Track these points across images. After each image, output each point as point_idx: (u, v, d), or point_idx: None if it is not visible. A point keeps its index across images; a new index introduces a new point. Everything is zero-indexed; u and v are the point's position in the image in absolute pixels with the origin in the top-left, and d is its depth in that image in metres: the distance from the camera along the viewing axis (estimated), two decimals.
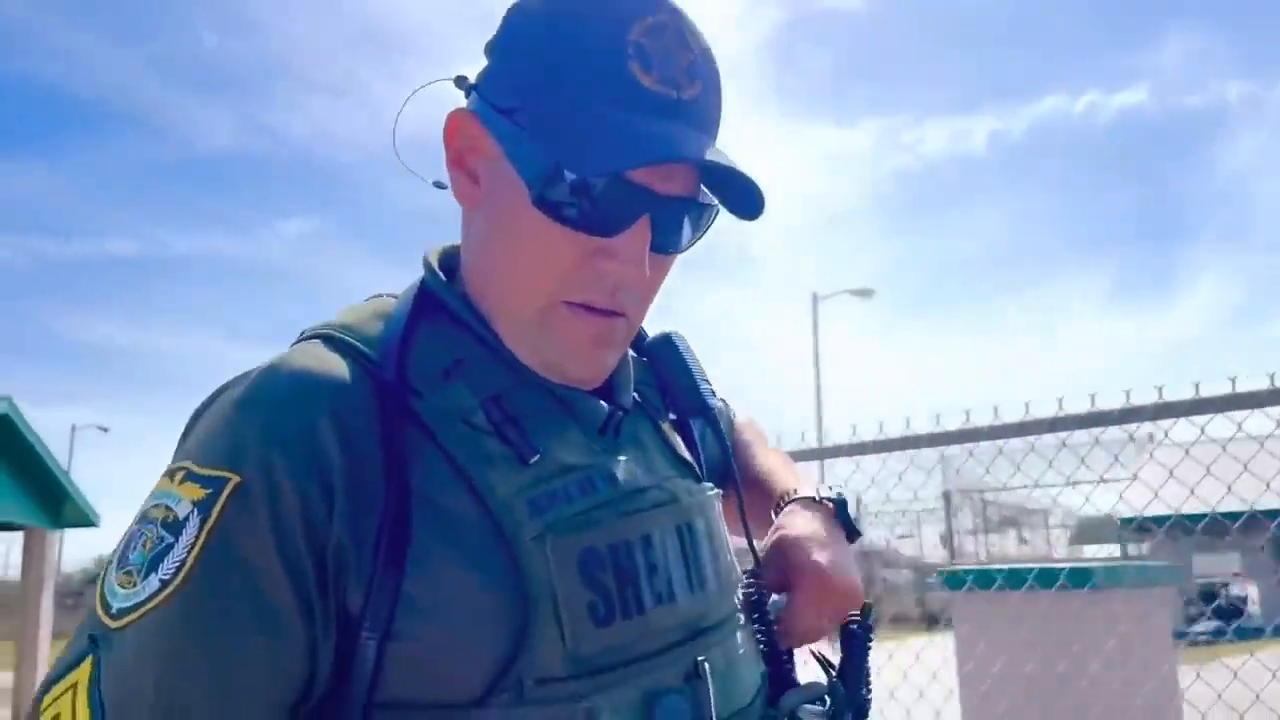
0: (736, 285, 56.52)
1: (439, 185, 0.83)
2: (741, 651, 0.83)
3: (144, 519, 0.69)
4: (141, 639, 0.64)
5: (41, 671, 12.87)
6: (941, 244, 57.69)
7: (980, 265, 59.79)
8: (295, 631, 0.66)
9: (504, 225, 0.77)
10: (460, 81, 0.80)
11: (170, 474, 0.69)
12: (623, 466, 0.79)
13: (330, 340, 0.76)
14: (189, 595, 0.64)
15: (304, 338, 0.78)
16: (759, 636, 0.88)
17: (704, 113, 0.75)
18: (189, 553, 0.65)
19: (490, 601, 0.68)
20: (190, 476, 0.68)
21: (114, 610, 0.66)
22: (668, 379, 0.93)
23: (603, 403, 0.81)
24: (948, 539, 27.15)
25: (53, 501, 13.50)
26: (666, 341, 0.95)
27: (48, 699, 0.66)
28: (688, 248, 0.81)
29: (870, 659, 0.92)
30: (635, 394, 0.88)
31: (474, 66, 0.82)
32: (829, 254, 59.39)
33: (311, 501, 0.66)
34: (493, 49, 0.79)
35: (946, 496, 26.63)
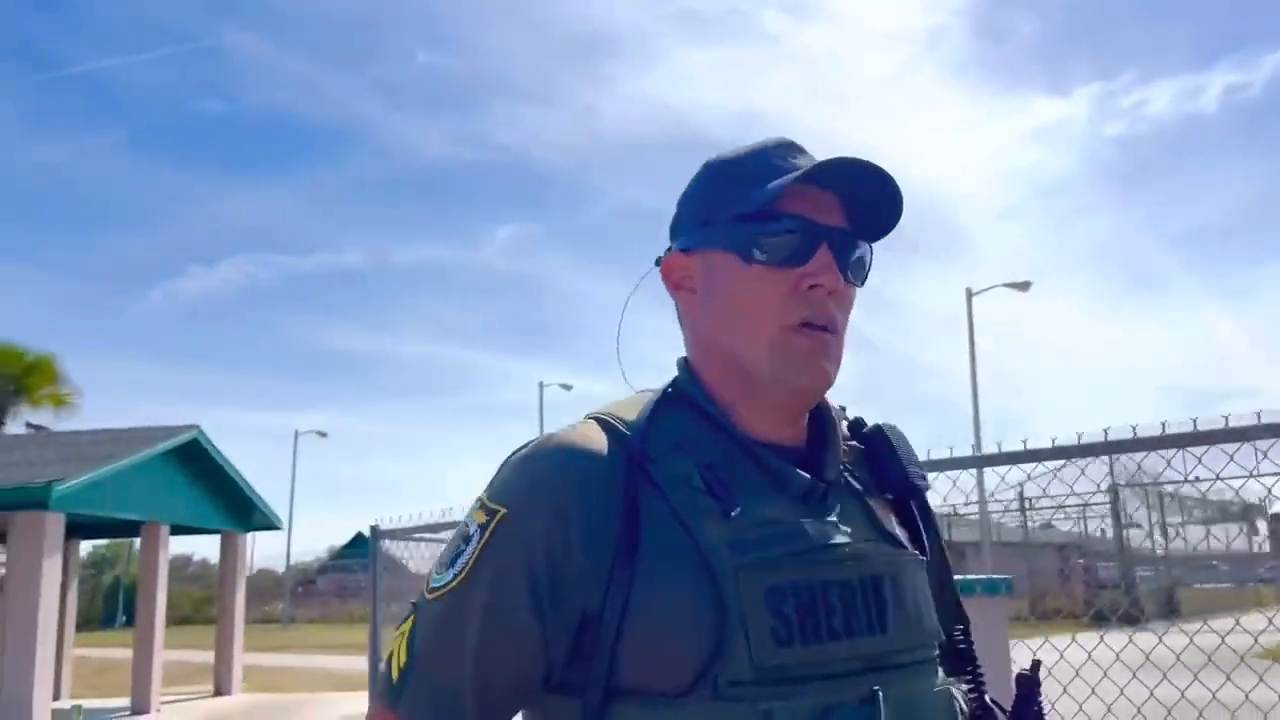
0: (941, 263, 55.29)
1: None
2: (930, 694, 0.96)
3: (458, 531, 0.98)
4: (438, 609, 0.94)
5: (238, 649, 14.43)
6: (1172, 212, 54.83)
7: (1219, 233, 56.29)
8: (527, 624, 0.90)
9: (727, 293, 1.00)
10: (660, 260, 1.08)
11: (477, 501, 0.97)
12: (819, 526, 0.94)
13: (600, 420, 0.99)
14: (466, 586, 0.92)
15: (586, 418, 1.01)
16: (968, 691, 1.04)
17: (867, 163, 0.98)
18: (469, 559, 0.93)
19: (696, 615, 0.87)
20: (482, 506, 0.95)
21: (430, 587, 0.96)
22: (881, 464, 1.07)
23: (806, 474, 0.97)
24: (1116, 534, 26.20)
25: (242, 510, 14.91)
26: (878, 431, 1.10)
27: (390, 642, 0.97)
28: (863, 281, 1.03)
29: (1038, 710, 1.06)
30: (846, 473, 1.03)
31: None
32: (1044, 229, 57.13)
33: (554, 535, 0.90)
34: (676, 220, 1.08)
35: (1114, 491, 25.74)
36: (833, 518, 0.96)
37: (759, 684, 0.86)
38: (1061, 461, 3.31)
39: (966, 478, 3.61)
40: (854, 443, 1.08)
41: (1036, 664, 1.06)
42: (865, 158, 0.95)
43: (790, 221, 0.96)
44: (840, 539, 0.94)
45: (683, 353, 1.08)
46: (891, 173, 0.96)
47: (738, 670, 0.86)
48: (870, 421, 1.12)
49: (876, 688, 0.89)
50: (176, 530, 14.42)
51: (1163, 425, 2.88)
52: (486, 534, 0.92)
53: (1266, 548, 20.33)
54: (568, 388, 37.37)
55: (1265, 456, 2.85)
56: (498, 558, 0.91)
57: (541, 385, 36.04)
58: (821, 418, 1.05)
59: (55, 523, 11.19)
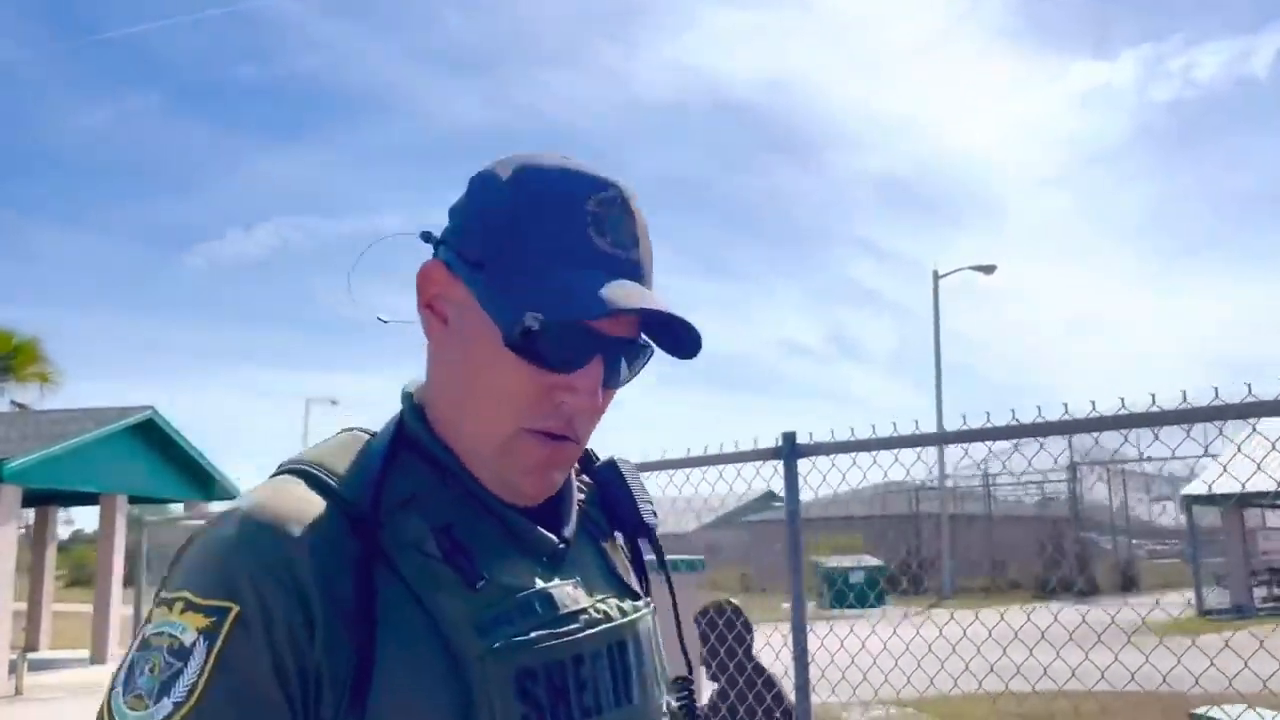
0: (980, 234, 54.60)
1: (381, 320, 0.94)
2: None
3: (147, 646, 0.74)
4: None
5: None
6: (1221, 178, 53.42)
7: (1270, 199, 54.06)
8: None
9: (474, 363, 0.85)
10: (428, 237, 0.90)
11: (168, 604, 0.75)
12: (564, 592, 0.86)
13: (306, 476, 0.83)
14: (202, 713, 0.70)
15: (280, 471, 0.85)
16: None
17: (645, 269, 0.86)
18: (199, 676, 0.71)
19: (439, 714, 0.76)
20: (191, 607, 0.73)
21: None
22: (612, 500, 1.01)
23: (550, 534, 0.89)
24: (1074, 510, 26.94)
25: (202, 482, 16.28)
26: (611, 466, 1.02)
27: None
28: (626, 383, 0.90)
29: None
30: (582, 513, 0.97)
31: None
32: (1088, 196, 55.94)
33: (298, 630, 0.73)
34: (460, 211, 0.88)
35: (1073, 469, 26.44)
36: (575, 577, 0.89)
37: None
38: (1018, 439, 3.43)
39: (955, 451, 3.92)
40: (585, 478, 1.02)
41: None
42: (676, 311, 0.84)
43: (571, 327, 0.82)
44: (585, 603, 0.88)
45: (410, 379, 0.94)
46: (695, 324, 0.85)
47: None
48: (602, 455, 1.05)
49: None
50: (136, 500, 15.88)
51: (1121, 401, 2.92)
52: (220, 640, 0.72)
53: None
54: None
55: (1189, 435, 2.97)
56: (240, 664, 0.72)
57: None
58: None
59: (11, 494, 12.54)
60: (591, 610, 0.88)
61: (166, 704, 0.71)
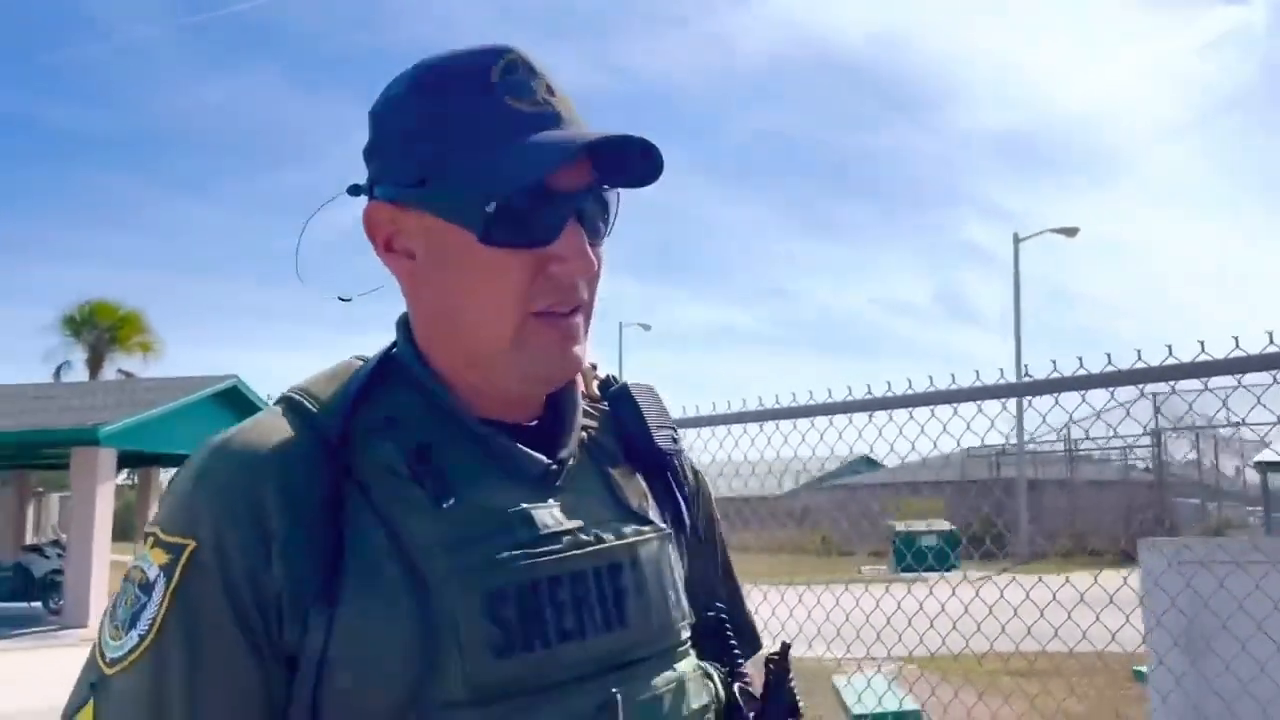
0: (1102, 187, 53.34)
1: (343, 299, 0.91)
2: (677, 684, 0.87)
3: (127, 579, 0.78)
4: (128, 684, 0.73)
5: None
6: None
7: None
8: (249, 670, 0.74)
9: (460, 274, 0.82)
10: (355, 190, 0.87)
11: (145, 538, 0.79)
12: (548, 513, 0.83)
13: (290, 404, 0.84)
14: (161, 646, 0.73)
15: (276, 401, 0.86)
16: (723, 665, 0.96)
17: (574, 114, 0.84)
18: (158, 610, 0.74)
19: (401, 634, 0.74)
20: (157, 543, 0.76)
21: (108, 659, 0.75)
22: (627, 430, 0.96)
23: (539, 456, 0.86)
24: (1159, 475, 26.39)
25: None
26: (624, 394, 0.98)
27: None
28: (607, 235, 0.87)
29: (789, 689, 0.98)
30: (588, 439, 0.93)
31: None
32: (1216, 146, 54.28)
33: (255, 561, 0.74)
34: (376, 147, 0.86)
35: (1156, 435, 25.90)
36: (568, 500, 0.85)
37: (476, 704, 0.75)
38: (1107, 401, 3.19)
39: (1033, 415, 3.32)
40: (601, 406, 0.98)
41: (786, 647, 0.99)
42: (621, 130, 0.80)
43: (533, 196, 0.80)
44: (573, 524, 0.84)
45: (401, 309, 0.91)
46: (648, 139, 0.81)
47: (451, 690, 0.74)
48: (625, 379, 1.01)
49: (616, 690, 0.81)
50: None
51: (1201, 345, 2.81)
52: (175, 576, 0.74)
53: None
54: (646, 328, 39.05)
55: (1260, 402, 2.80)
56: (194, 599, 0.74)
57: (621, 325, 37.77)
58: (561, 388, 0.91)
59: (107, 456, 13.89)
60: (579, 533, 0.84)
61: (134, 635, 0.74)
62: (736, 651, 0.99)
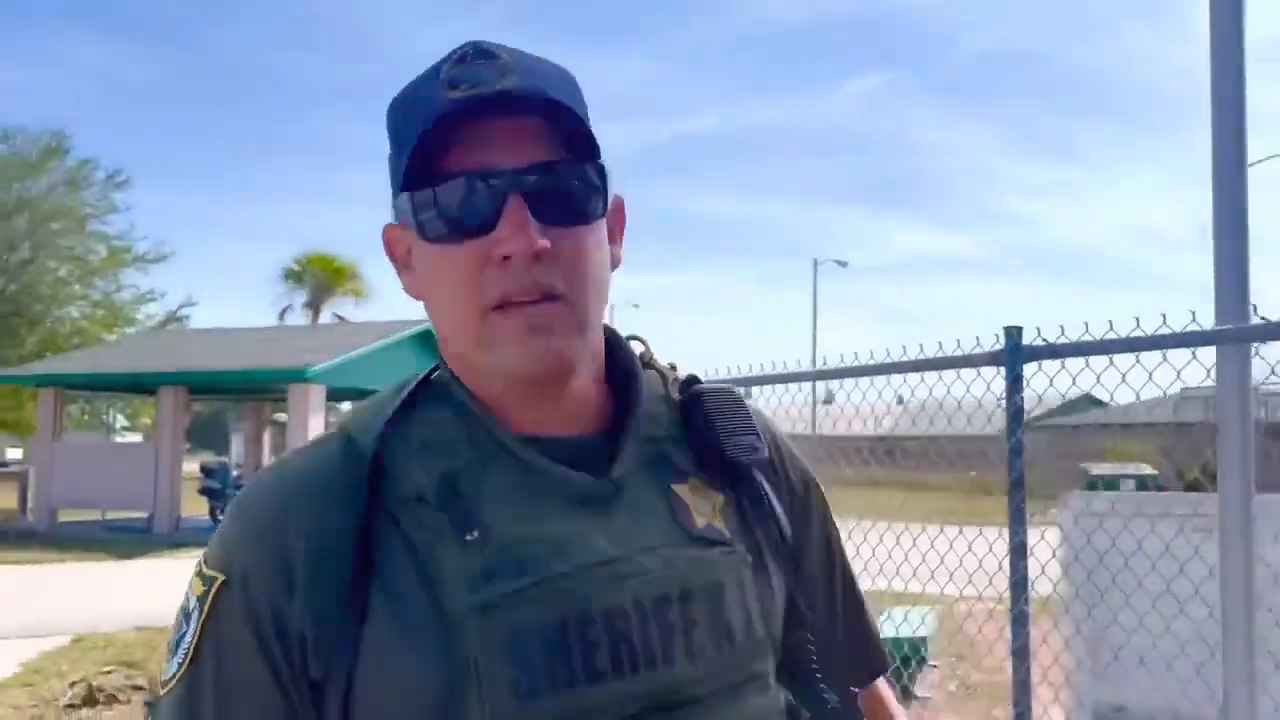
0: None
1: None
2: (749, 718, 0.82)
3: (179, 609, 0.81)
4: (170, 706, 0.78)
5: None
6: None
7: None
8: (273, 697, 0.76)
9: (429, 280, 0.82)
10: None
11: (197, 567, 0.81)
12: (588, 540, 0.78)
13: (340, 428, 0.83)
14: (194, 673, 0.77)
15: (335, 426, 0.85)
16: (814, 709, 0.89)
17: (530, 90, 0.77)
18: (192, 638, 0.77)
19: (424, 670, 0.73)
20: (199, 574, 0.80)
21: (161, 681, 0.81)
22: (699, 439, 0.88)
23: (584, 475, 0.81)
24: None
25: None
26: (697, 399, 0.90)
27: None
28: (595, 213, 0.81)
29: None
30: (655, 451, 0.86)
31: None
32: None
33: (277, 596, 0.75)
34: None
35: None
36: (617, 522, 0.80)
37: None
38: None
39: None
40: (675, 413, 0.90)
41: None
42: (504, 82, 0.76)
43: (455, 182, 0.76)
44: (616, 551, 0.78)
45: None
46: (559, 97, 0.78)
47: None
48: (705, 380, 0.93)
49: None
50: None
51: None
52: (205, 607, 0.77)
53: None
54: (843, 264, 38.72)
55: None
56: (221, 633, 0.77)
57: (816, 262, 37.66)
58: (626, 393, 0.87)
59: (316, 391, 15.78)
60: (620, 562, 0.78)
61: (175, 661, 0.79)
62: (823, 687, 0.90)
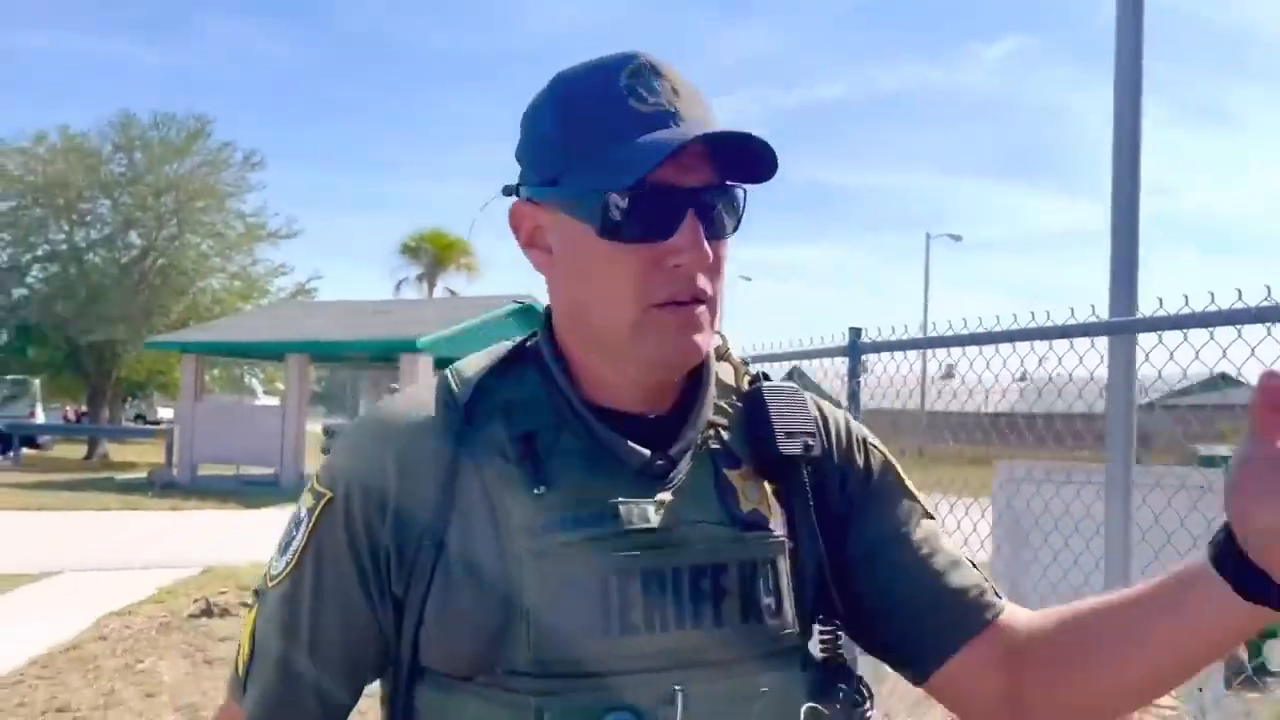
0: None
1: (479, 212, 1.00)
2: (759, 693, 0.88)
3: (292, 516, 0.94)
4: (274, 597, 0.92)
5: None
6: None
7: None
8: (359, 602, 0.89)
9: (581, 267, 0.89)
10: (508, 190, 0.95)
11: (309, 482, 0.94)
12: (639, 508, 0.87)
13: (442, 379, 0.93)
14: (296, 574, 0.90)
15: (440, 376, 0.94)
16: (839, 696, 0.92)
17: (694, 114, 0.87)
18: (300, 544, 0.91)
19: (484, 600, 0.84)
20: (311, 490, 0.93)
21: (268, 575, 0.94)
22: (755, 431, 0.95)
23: (643, 449, 0.89)
24: None
25: None
26: (757, 395, 0.97)
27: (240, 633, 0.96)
28: (735, 230, 0.90)
29: None
30: (715, 438, 0.94)
31: None
32: None
33: (373, 517, 0.88)
34: (522, 148, 0.93)
35: None
36: (666, 497, 0.88)
37: (537, 676, 0.83)
38: None
39: None
40: (738, 405, 0.97)
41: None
42: (733, 128, 0.84)
43: (649, 191, 0.84)
44: (663, 522, 0.87)
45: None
46: (759, 135, 0.84)
47: (517, 660, 0.84)
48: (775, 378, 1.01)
49: (678, 686, 0.84)
50: None
51: None
52: (313, 519, 0.90)
53: None
54: (957, 238, 38.37)
55: None
56: (323, 541, 0.89)
57: (928, 236, 37.37)
58: (697, 379, 0.95)
59: (425, 361, 17.03)
60: (665, 531, 0.87)
61: (283, 560, 0.92)
62: (841, 675, 0.93)
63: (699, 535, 0.88)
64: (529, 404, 0.91)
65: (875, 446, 1.03)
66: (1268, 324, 2.47)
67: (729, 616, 0.88)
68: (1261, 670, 5.74)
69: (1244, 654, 4.53)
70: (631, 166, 0.82)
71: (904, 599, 0.96)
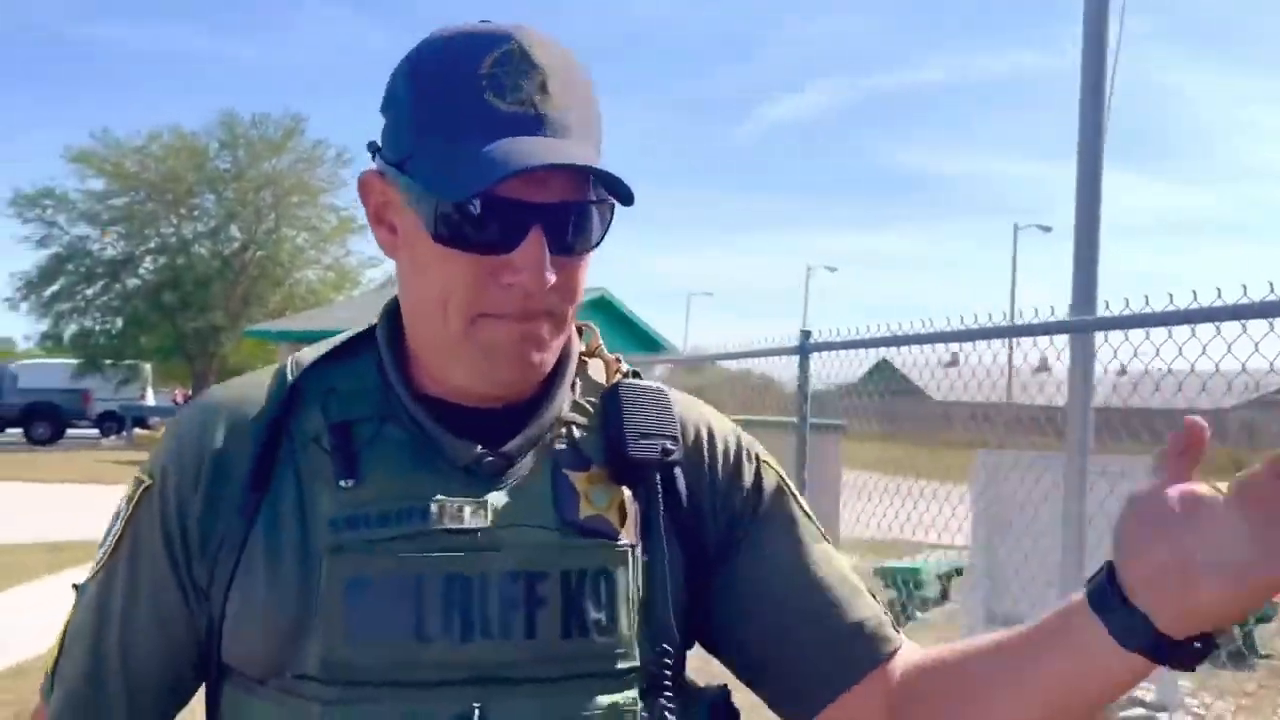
0: None
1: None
2: (572, 715, 0.82)
3: (115, 509, 0.91)
4: (90, 590, 0.89)
5: None
6: None
7: None
8: (170, 590, 0.85)
9: (418, 264, 0.82)
10: (370, 146, 0.86)
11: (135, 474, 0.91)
12: (456, 508, 0.81)
13: (281, 365, 0.90)
14: (110, 566, 0.87)
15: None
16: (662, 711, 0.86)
17: (565, 119, 0.79)
18: (117, 533, 0.88)
19: (281, 595, 0.81)
20: (135, 478, 0.89)
21: (90, 567, 0.90)
22: (609, 433, 0.88)
23: (472, 446, 0.83)
24: None
25: (650, 346, 20.98)
26: (613, 394, 0.90)
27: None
28: (597, 244, 0.83)
29: None
30: (564, 437, 0.88)
31: None
32: None
33: (186, 503, 0.85)
34: (383, 108, 0.84)
35: None
36: (496, 497, 0.83)
37: (325, 683, 0.79)
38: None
39: None
40: (596, 402, 0.91)
41: (724, 688, 0.92)
42: (576, 160, 0.77)
43: (492, 202, 0.77)
44: (480, 524, 0.81)
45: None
46: (610, 170, 0.78)
47: (307, 664, 0.79)
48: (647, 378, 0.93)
49: (477, 704, 0.79)
50: None
51: None
52: (130, 507, 0.87)
53: None
54: (1046, 229, 37.67)
55: None
56: (140, 531, 0.86)
57: (1016, 227, 36.85)
58: (557, 374, 0.88)
59: None
60: (481, 534, 0.81)
61: (102, 550, 0.89)
62: (669, 703, 0.86)
63: (518, 540, 0.82)
64: (357, 393, 0.87)
65: (768, 463, 0.96)
66: None
67: (544, 630, 0.82)
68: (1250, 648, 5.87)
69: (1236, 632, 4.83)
70: (468, 180, 0.76)
71: (797, 630, 0.89)
